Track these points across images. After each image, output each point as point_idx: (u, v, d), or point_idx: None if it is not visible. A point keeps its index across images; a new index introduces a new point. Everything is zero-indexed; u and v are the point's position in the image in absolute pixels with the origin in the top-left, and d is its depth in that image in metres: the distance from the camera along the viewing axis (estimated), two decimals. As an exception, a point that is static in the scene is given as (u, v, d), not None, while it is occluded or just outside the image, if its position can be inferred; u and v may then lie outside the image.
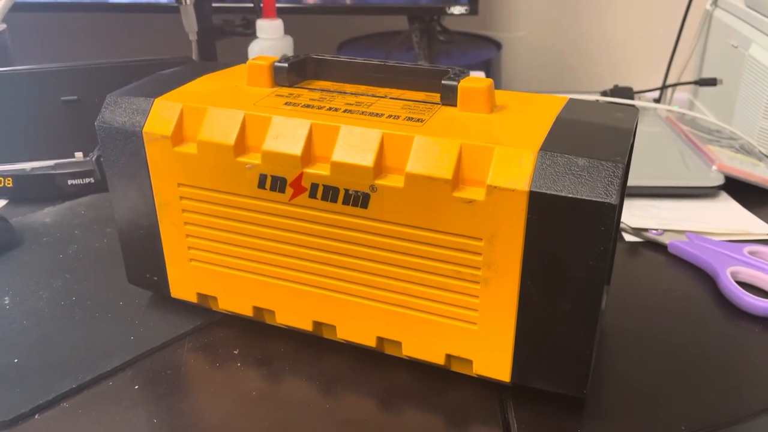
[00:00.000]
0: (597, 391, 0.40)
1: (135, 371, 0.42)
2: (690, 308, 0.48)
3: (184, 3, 0.78)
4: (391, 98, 0.41)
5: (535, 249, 0.34)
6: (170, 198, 0.43)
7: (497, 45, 1.12)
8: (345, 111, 0.39)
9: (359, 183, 0.37)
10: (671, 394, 0.40)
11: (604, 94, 0.84)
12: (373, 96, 0.42)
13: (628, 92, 0.83)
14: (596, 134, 0.36)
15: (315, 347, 0.44)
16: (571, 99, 0.41)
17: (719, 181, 0.62)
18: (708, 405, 0.39)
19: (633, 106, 0.82)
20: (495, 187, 0.34)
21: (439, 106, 0.40)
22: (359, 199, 0.38)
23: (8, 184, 0.64)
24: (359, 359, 0.43)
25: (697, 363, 0.43)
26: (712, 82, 0.85)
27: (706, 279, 0.52)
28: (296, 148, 0.38)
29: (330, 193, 0.38)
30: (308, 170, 0.38)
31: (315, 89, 0.43)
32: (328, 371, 0.42)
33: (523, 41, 1.18)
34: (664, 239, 0.55)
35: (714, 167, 0.64)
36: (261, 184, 0.40)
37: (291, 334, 0.45)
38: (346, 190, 0.38)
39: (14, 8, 0.78)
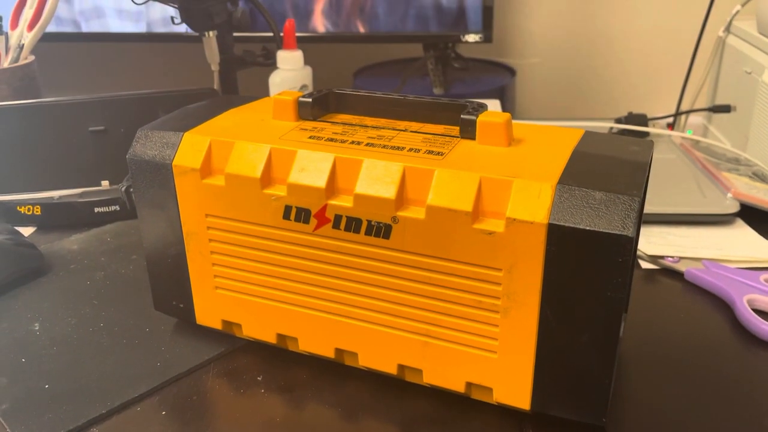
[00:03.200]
0: (615, 418, 0.41)
1: (162, 397, 0.43)
2: (707, 336, 0.49)
3: (207, 35, 0.80)
4: (411, 131, 0.43)
5: (553, 280, 0.35)
6: (198, 228, 0.44)
7: (511, 71, 1.13)
8: (367, 144, 0.41)
9: (381, 214, 0.38)
10: (689, 421, 0.40)
11: (618, 121, 0.85)
12: (394, 129, 0.43)
13: (642, 119, 0.84)
14: (612, 168, 0.37)
15: (336, 374, 0.45)
16: (587, 132, 0.42)
17: (735, 208, 0.63)
18: (727, 434, 0.39)
19: (648, 135, 0.83)
20: (514, 220, 0.35)
21: (458, 139, 0.41)
22: (381, 230, 0.39)
23: (36, 211, 0.66)
24: (380, 386, 0.44)
25: (715, 391, 0.43)
26: (725, 108, 0.86)
27: (722, 307, 0.52)
28: (320, 181, 0.39)
29: (353, 224, 0.39)
30: (332, 202, 0.40)
31: (337, 123, 0.44)
32: (350, 398, 0.43)
33: (537, 68, 1.19)
34: (681, 267, 0.56)
35: (729, 194, 0.65)
36: (286, 215, 0.41)
37: (313, 361, 0.46)
38: (369, 222, 0.39)
39: (41, 38, 0.80)
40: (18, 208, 0.66)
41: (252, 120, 0.45)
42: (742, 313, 0.49)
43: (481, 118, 0.40)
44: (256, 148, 0.41)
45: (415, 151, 0.39)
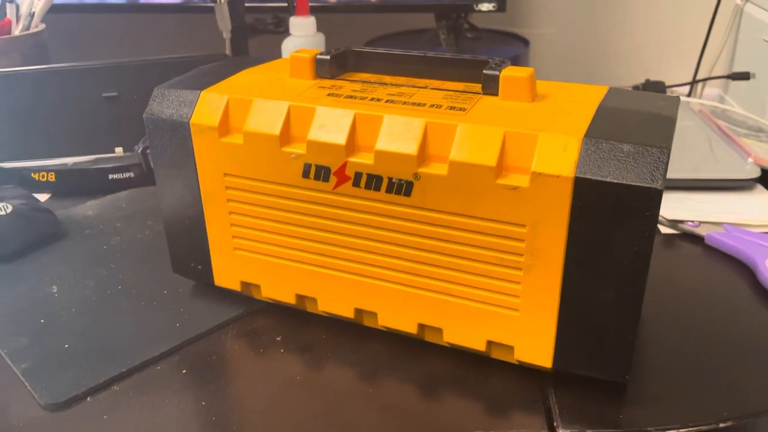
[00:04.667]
0: (637, 378, 0.40)
1: (182, 356, 0.43)
2: (729, 299, 0.48)
3: (218, 2, 0.79)
4: (431, 89, 0.42)
5: (579, 235, 0.35)
6: (216, 188, 0.44)
7: (525, 42, 1.12)
8: (387, 101, 0.40)
9: (403, 171, 0.38)
10: (711, 382, 0.40)
11: (635, 88, 0.84)
12: (414, 87, 0.42)
13: (660, 86, 0.83)
14: (640, 121, 0.36)
15: (355, 334, 0.45)
16: (611, 88, 0.41)
17: (756, 173, 0.62)
18: (749, 393, 0.39)
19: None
20: (539, 174, 0.34)
21: (480, 95, 0.40)
22: (402, 187, 0.38)
23: (51, 178, 0.66)
24: (400, 346, 0.44)
25: (737, 352, 0.43)
26: (744, 76, 0.84)
27: (744, 270, 0.51)
28: (340, 138, 0.39)
29: (374, 182, 0.39)
30: (352, 159, 0.39)
31: (356, 81, 0.44)
32: (369, 358, 0.43)
33: (550, 37, 1.17)
34: (701, 231, 0.55)
35: (750, 160, 0.64)
36: (305, 174, 0.41)
37: (331, 321, 0.46)
38: (390, 179, 0.38)
39: (51, 10, 0.80)
40: (32, 174, 0.66)
41: (269, 79, 0.45)
42: (764, 276, 0.48)
43: (505, 73, 0.39)
44: (275, 106, 0.41)
45: (436, 107, 0.39)
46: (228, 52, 0.84)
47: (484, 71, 0.40)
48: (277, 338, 0.45)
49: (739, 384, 0.40)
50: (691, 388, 0.40)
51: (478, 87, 0.41)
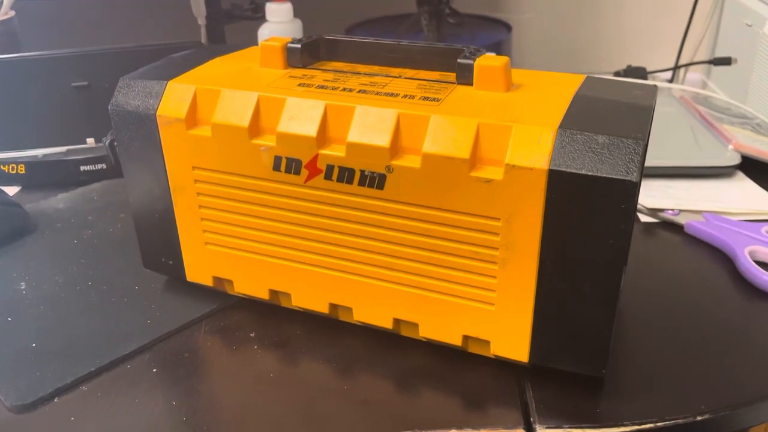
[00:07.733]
0: (615, 370, 0.40)
1: (153, 354, 0.42)
2: (708, 288, 0.48)
3: (192, -13, 0.77)
4: (405, 78, 0.41)
5: (554, 228, 0.34)
6: (185, 181, 0.43)
7: (507, 27, 1.11)
8: (359, 91, 0.39)
9: (375, 164, 0.37)
10: (690, 373, 0.40)
11: (617, 74, 0.84)
12: (387, 76, 0.41)
13: (641, 72, 0.82)
14: (615, 111, 0.35)
15: (331, 329, 0.44)
16: (588, 77, 0.41)
17: (736, 160, 0.62)
18: (727, 384, 0.39)
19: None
20: (513, 166, 0.34)
21: (454, 85, 0.39)
22: (375, 180, 0.37)
23: (21, 170, 0.64)
24: (375, 341, 0.43)
25: (716, 343, 0.42)
26: (726, 61, 0.84)
27: (724, 259, 0.51)
28: (311, 130, 0.38)
29: (346, 175, 0.38)
30: (323, 152, 0.38)
31: (328, 70, 0.43)
32: (344, 353, 0.42)
33: (533, 22, 1.16)
34: (681, 219, 0.55)
35: (730, 146, 0.64)
36: (276, 167, 0.39)
37: (306, 316, 0.45)
38: (362, 172, 0.37)
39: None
40: (2, 167, 0.64)
41: (238, 68, 0.43)
42: (743, 265, 0.48)
43: (479, 62, 0.38)
44: (243, 97, 0.40)
45: (409, 98, 0.38)
46: (203, 39, 0.82)
47: (458, 60, 0.39)
48: (251, 334, 0.44)
49: (716, 376, 0.40)
50: (669, 380, 0.39)
51: (453, 76, 0.40)
